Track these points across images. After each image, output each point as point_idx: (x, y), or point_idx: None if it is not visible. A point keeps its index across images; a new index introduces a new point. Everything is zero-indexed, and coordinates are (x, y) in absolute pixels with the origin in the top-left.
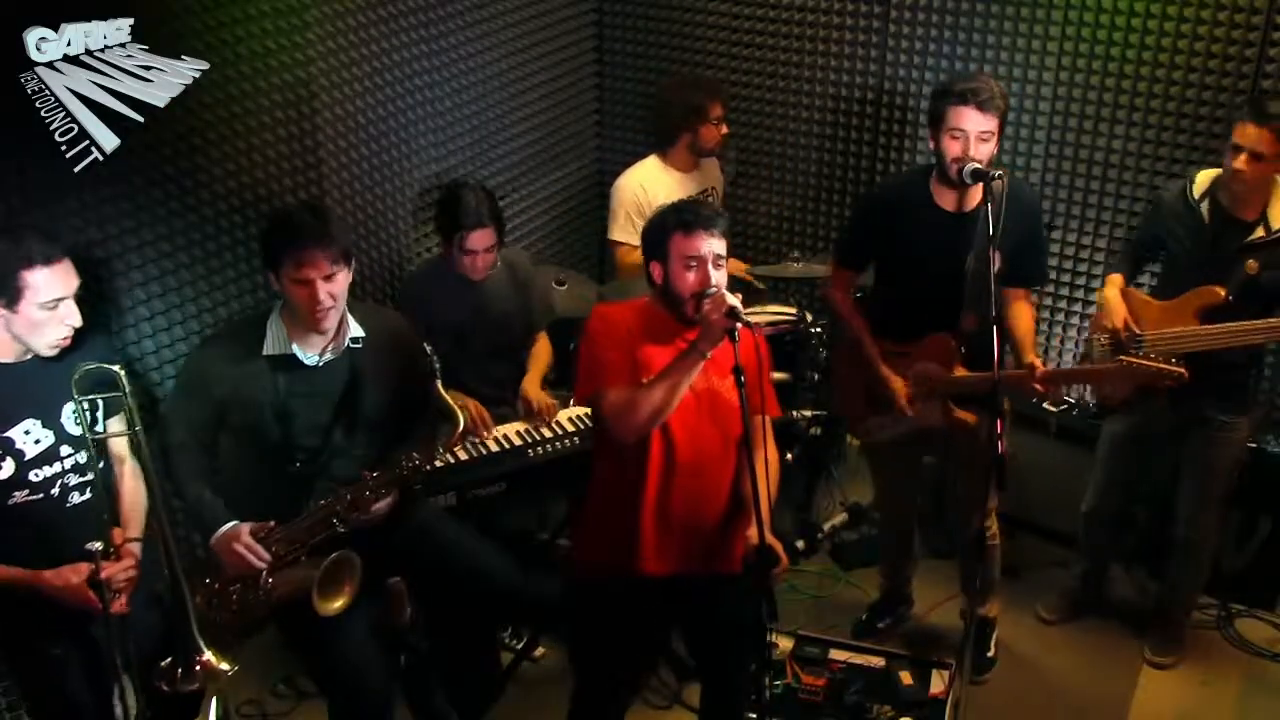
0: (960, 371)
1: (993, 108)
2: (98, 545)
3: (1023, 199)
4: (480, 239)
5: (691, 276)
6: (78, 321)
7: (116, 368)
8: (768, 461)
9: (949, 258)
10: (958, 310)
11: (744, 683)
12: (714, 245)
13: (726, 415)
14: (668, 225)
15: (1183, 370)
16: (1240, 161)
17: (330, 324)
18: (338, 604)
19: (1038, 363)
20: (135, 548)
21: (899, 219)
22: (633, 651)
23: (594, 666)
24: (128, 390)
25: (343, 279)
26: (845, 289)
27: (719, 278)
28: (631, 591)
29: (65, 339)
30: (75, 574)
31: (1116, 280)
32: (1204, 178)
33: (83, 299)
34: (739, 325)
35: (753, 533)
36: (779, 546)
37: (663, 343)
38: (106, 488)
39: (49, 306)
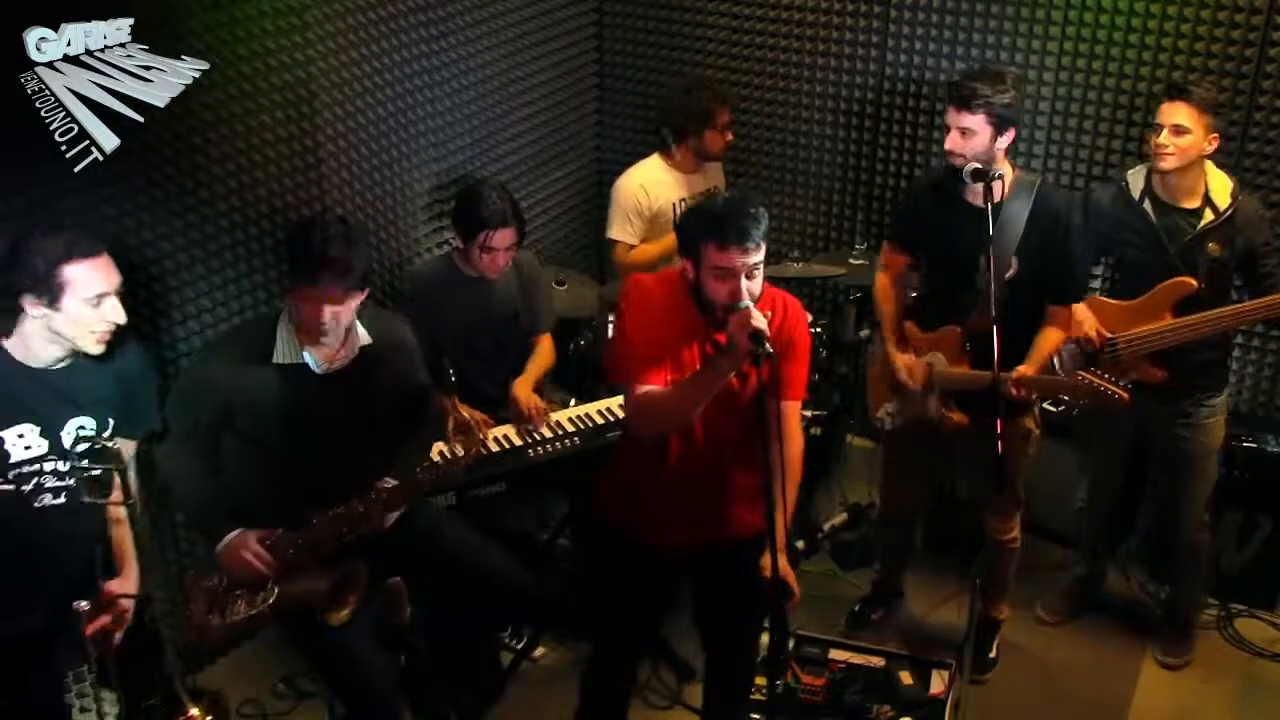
0: (963, 368)
1: (973, 105)
2: (84, 605)
3: (1052, 207)
4: (504, 238)
5: (722, 287)
6: (121, 318)
7: (117, 445)
8: (785, 455)
9: (968, 250)
10: (971, 305)
11: (750, 661)
12: (748, 259)
13: (747, 407)
14: (702, 231)
15: (1124, 395)
16: (1164, 136)
17: (330, 343)
18: (343, 614)
19: (1022, 370)
20: (128, 603)
21: (933, 208)
22: (643, 609)
23: (606, 624)
24: (128, 465)
25: (353, 303)
26: (890, 272)
27: (753, 288)
28: (641, 556)
29: (108, 334)
30: None
31: None
32: (1136, 177)
33: (125, 296)
34: (764, 350)
35: (766, 563)
36: (792, 578)
37: (691, 337)
38: (102, 536)
39: (92, 303)
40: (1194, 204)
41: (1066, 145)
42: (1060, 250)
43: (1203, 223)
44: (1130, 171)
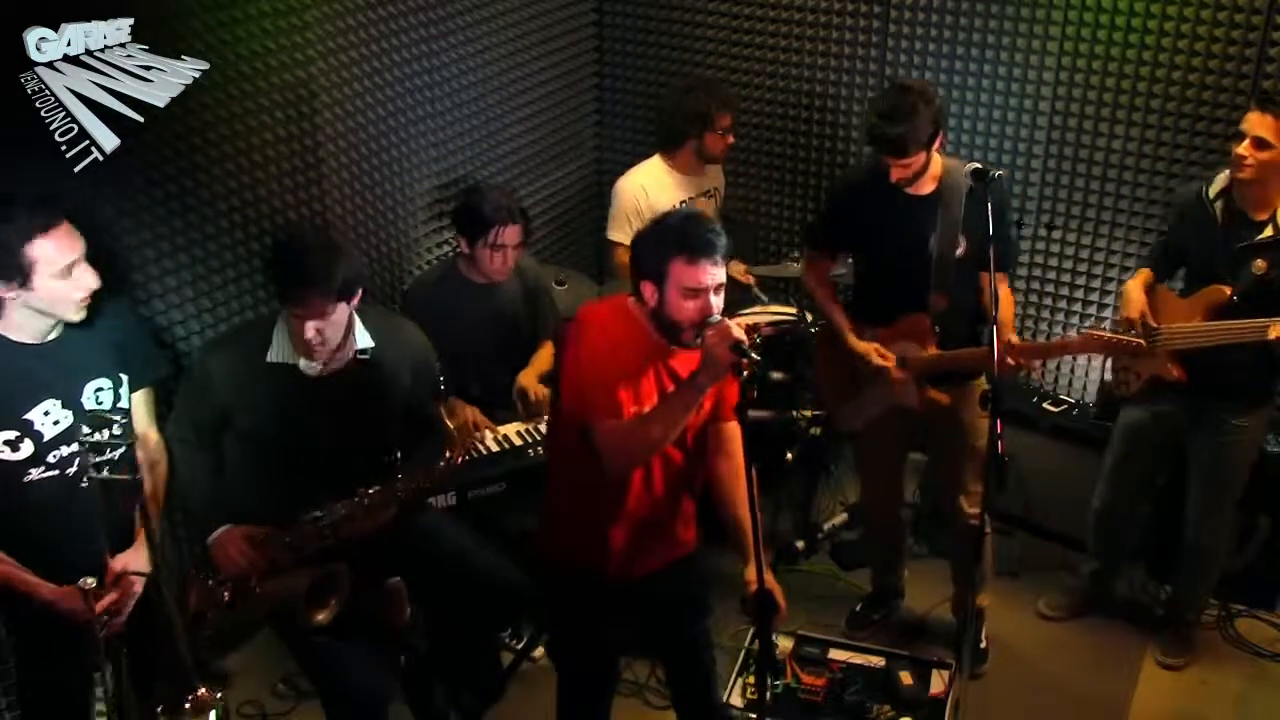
0: (934, 350)
1: (909, 152)
2: (90, 583)
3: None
4: (512, 234)
5: (691, 306)
6: (95, 283)
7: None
8: (736, 470)
9: (913, 239)
10: (926, 291)
11: (710, 655)
12: (717, 275)
13: (695, 432)
14: (668, 248)
15: (1141, 341)
16: (1244, 147)
17: (321, 356)
18: (321, 615)
19: (1013, 338)
20: (137, 581)
21: (864, 203)
22: (604, 643)
23: (570, 659)
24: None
25: (339, 312)
26: (818, 274)
27: (718, 304)
28: (597, 590)
29: (85, 299)
30: (72, 599)
31: (1143, 274)
32: (1223, 178)
33: (94, 258)
34: (750, 357)
35: (751, 575)
36: (779, 592)
37: (648, 365)
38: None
39: (63, 275)
40: (1262, 216)
41: (1066, 145)
42: (997, 223)
43: (1258, 237)
44: (1222, 173)
